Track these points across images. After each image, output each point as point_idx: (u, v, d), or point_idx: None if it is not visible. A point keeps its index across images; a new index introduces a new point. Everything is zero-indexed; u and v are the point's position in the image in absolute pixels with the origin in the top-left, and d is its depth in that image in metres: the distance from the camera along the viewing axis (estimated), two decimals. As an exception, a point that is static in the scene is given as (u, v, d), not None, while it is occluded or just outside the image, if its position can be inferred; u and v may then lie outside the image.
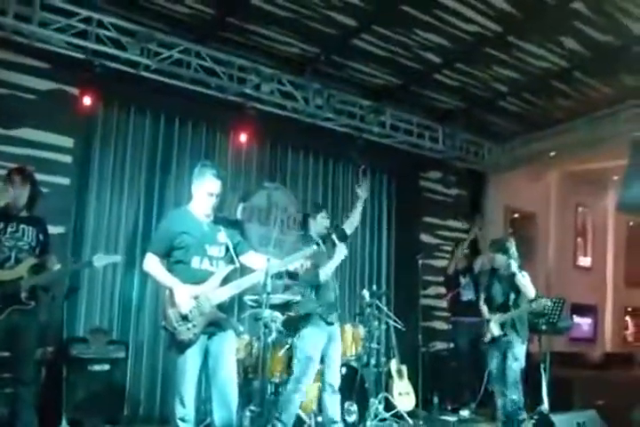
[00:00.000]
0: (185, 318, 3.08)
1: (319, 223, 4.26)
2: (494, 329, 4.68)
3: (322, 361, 4.10)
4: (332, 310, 4.14)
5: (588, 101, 6.42)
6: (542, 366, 4.92)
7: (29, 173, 3.63)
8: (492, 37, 5.29)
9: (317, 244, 3.34)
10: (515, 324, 4.66)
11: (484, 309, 4.94)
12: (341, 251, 4.10)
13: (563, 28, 5.10)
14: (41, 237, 3.59)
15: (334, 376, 4.09)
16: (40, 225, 3.62)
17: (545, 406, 4.74)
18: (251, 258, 3.39)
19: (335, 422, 3.97)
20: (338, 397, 4.09)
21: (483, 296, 5.05)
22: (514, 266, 4.66)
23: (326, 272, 4.07)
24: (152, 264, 3.25)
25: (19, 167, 3.64)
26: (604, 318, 9.88)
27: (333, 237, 4.17)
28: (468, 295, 6.33)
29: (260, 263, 3.29)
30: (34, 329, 3.52)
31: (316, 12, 4.93)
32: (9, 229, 3.47)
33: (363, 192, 4.47)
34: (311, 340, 4.04)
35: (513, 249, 4.81)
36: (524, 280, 4.62)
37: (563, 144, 6.83)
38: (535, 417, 4.44)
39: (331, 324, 4.12)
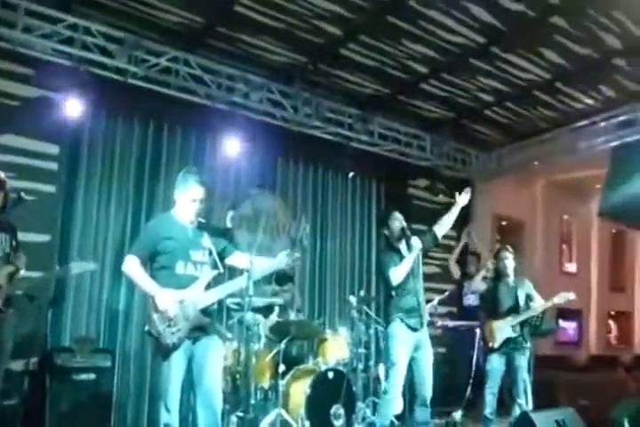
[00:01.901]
0: (169, 322, 3.09)
1: (392, 225, 4.15)
2: (507, 332, 4.77)
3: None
4: (414, 315, 4.01)
5: (570, 112, 6.57)
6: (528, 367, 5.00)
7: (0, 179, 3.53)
8: (476, 49, 5.41)
9: (293, 248, 3.32)
10: (523, 328, 4.78)
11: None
12: (416, 245, 4.00)
13: (544, 40, 5.23)
14: (14, 243, 3.52)
15: (425, 387, 3.98)
16: (12, 231, 3.54)
17: (529, 407, 4.81)
18: (237, 258, 3.43)
19: None
20: (428, 410, 3.99)
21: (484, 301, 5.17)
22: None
23: (398, 273, 3.95)
24: (132, 267, 3.22)
25: None
26: (589, 322, 10.02)
27: (411, 236, 4.08)
28: (468, 300, 6.42)
29: (246, 263, 3.31)
30: (8, 337, 3.43)
31: (305, 21, 5.01)
32: None
33: (462, 199, 4.32)
34: (397, 342, 3.93)
35: (508, 254, 5.02)
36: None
37: (546, 153, 6.94)
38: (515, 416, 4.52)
39: (415, 329, 4.00)
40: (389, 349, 3.96)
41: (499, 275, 5.06)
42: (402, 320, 3.97)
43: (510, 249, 5.12)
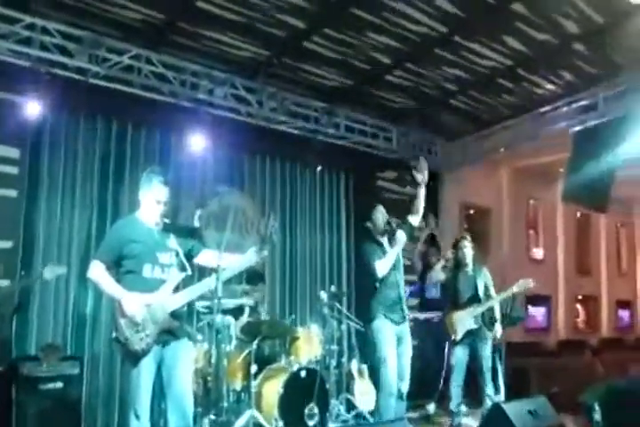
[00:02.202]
0: (137, 327, 3.04)
1: (376, 219, 4.18)
2: (468, 323, 4.81)
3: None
4: (396, 309, 4.03)
5: (532, 98, 6.62)
6: (497, 356, 5.08)
7: None
8: (438, 38, 5.40)
9: (261, 248, 3.26)
10: (484, 318, 4.84)
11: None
12: (401, 238, 4.02)
13: (505, 27, 5.25)
14: None
15: (403, 381, 3.98)
16: None
17: (501, 396, 4.91)
18: (206, 257, 3.39)
19: None
20: (404, 403, 4.00)
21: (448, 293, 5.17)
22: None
23: (383, 266, 3.97)
24: (98, 272, 3.17)
25: None
26: (557, 307, 10.21)
27: (396, 228, 4.09)
28: (430, 293, 6.50)
29: (216, 261, 3.27)
30: None
31: (267, 15, 4.93)
32: None
33: (421, 176, 4.16)
34: (384, 338, 3.93)
35: (467, 243, 5.05)
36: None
37: (511, 140, 7.01)
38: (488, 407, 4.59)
39: (397, 323, 4.00)
40: (377, 345, 3.95)
41: (458, 264, 5.12)
42: (385, 316, 3.99)
43: (469, 238, 5.17)
